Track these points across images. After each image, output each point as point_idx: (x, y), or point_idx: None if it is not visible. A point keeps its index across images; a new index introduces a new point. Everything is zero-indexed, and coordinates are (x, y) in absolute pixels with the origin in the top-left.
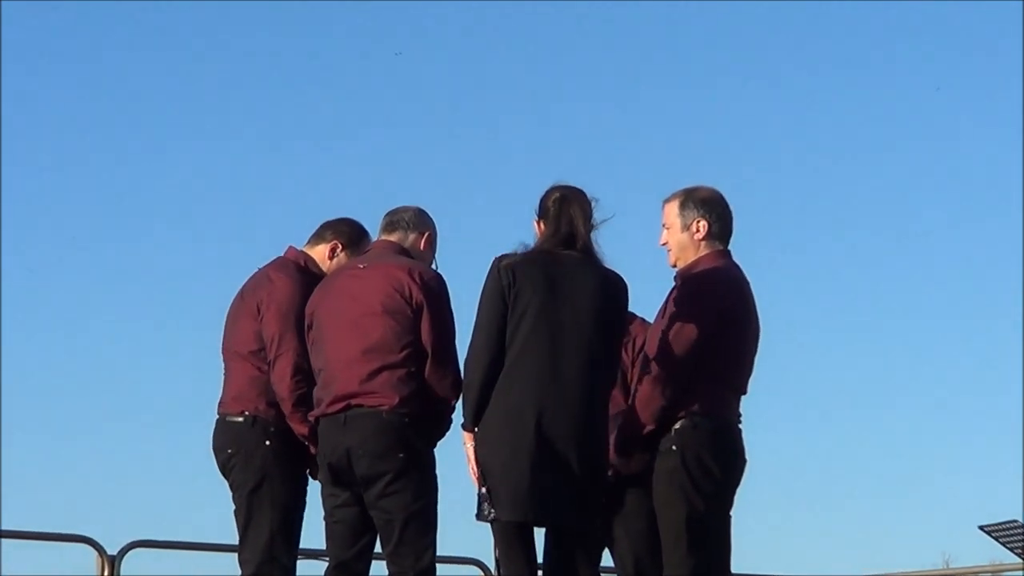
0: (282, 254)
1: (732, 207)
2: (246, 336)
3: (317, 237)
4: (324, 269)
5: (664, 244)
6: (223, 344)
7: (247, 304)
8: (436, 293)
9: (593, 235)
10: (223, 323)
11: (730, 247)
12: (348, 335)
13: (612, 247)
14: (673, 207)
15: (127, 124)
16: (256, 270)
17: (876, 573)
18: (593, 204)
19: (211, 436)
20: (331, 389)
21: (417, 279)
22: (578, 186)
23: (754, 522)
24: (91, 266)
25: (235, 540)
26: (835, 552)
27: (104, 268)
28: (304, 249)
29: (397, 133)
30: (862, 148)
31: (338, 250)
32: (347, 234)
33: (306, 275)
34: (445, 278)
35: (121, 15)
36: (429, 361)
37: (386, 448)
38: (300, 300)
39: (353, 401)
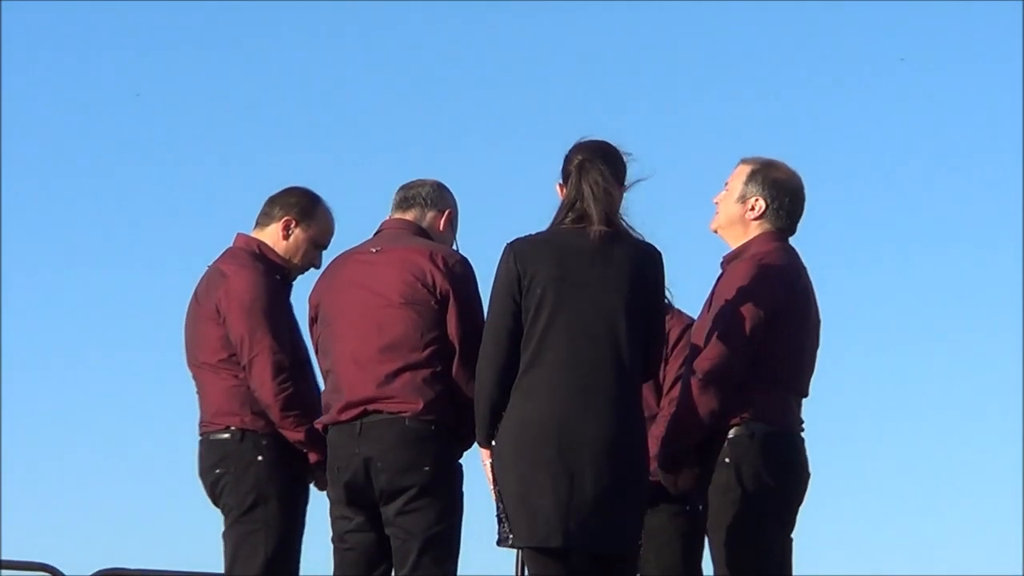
0: (231, 244)
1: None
2: (211, 344)
3: (265, 217)
4: (280, 252)
5: (716, 203)
6: (187, 357)
7: (204, 307)
8: (463, 280)
9: (622, 202)
10: (181, 332)
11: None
12: (362, 331)
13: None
14: (743, 172)
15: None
16: (206, 267)
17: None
18: (626, 160)
19: (196, 459)
20: (342, 393)
21: (441, 264)
22: (609, 141)
23: (818, 542)
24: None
25: (216, 567)
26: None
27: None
28: (253, 234)
29: (405, 94)
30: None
31: (292, 226)
32: (297, 206)
33: (263, 263)
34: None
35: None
36: (457, 359)
37: (409, 460)
38: (264, 291)
39: (370, 407)
